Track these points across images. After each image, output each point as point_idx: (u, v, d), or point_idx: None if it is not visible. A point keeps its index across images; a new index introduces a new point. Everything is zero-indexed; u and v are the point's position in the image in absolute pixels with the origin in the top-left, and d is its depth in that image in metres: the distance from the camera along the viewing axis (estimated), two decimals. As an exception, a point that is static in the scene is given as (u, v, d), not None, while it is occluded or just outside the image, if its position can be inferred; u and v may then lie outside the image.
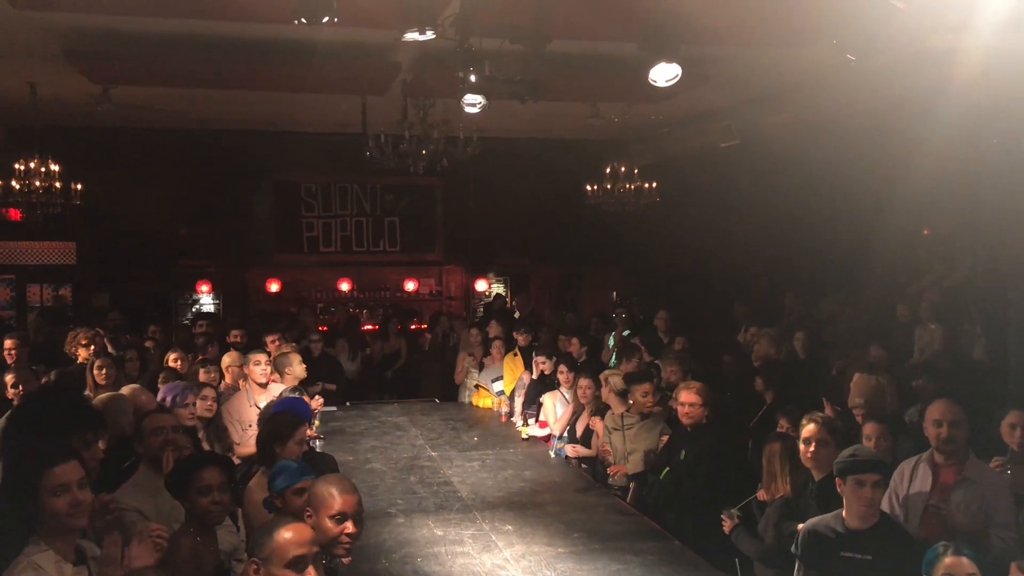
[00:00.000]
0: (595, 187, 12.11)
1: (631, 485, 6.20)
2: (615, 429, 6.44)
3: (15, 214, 11.90)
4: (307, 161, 13.82)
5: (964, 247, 9.37)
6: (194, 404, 5.96)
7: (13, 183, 10.49)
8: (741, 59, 8.35)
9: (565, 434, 7.36)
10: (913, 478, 4.60)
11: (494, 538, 5.14)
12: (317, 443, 6.61)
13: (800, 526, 4.23)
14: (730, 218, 12.10)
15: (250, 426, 6.36)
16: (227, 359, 7.71)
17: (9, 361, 7.54)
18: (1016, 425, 5.11)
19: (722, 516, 5.09)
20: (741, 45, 7.81)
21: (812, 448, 4.66)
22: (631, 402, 6.49)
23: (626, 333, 10.42)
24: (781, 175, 10.84)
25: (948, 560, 3.47)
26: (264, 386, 6.92)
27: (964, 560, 3.46)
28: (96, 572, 3.21)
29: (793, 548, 4.23)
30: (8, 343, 7.82)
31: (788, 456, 4.92)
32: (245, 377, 7.16)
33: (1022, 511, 4.49)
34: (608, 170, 11.97)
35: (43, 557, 2.98)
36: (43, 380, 6.74)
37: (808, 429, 4.70)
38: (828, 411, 5.70)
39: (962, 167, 8.66)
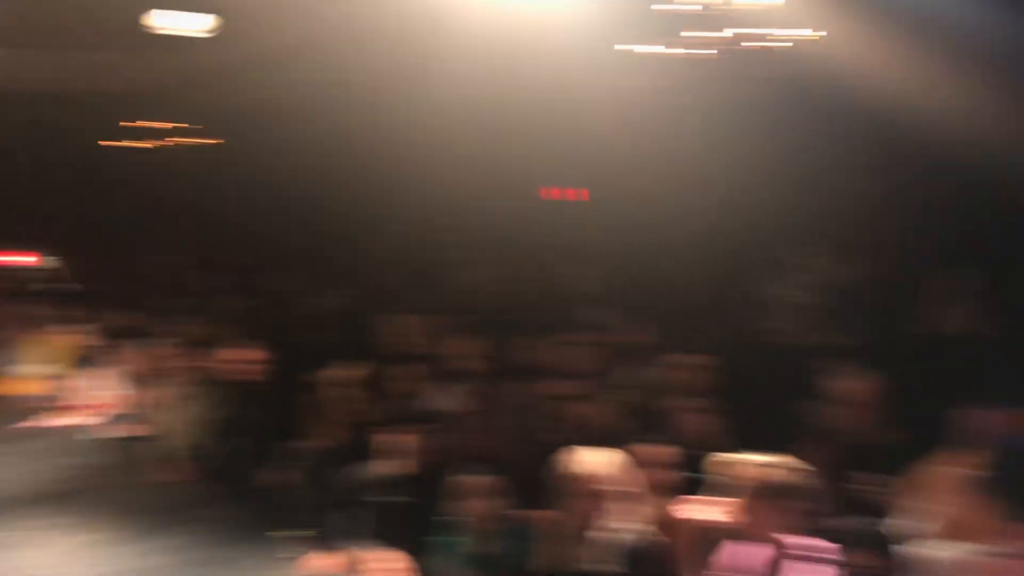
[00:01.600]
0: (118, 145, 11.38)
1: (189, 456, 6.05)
2: (167, 401, 6.24)
3: None
4: None
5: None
6: None
7: None
8: (261, 12, 8.27)
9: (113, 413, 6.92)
10: None
11: (44, 535, 4.82)
12: None
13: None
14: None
15: None
16: None
17: None
18: None
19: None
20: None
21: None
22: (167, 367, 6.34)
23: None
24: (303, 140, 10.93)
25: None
26: None
27: None
28: None
29: (336, 495, 4.52)
30: None
31: (317, 409, 5.21)
32: None
33: None
34: (133, 127, 11.30)
35: None
36: None
37: None
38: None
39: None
